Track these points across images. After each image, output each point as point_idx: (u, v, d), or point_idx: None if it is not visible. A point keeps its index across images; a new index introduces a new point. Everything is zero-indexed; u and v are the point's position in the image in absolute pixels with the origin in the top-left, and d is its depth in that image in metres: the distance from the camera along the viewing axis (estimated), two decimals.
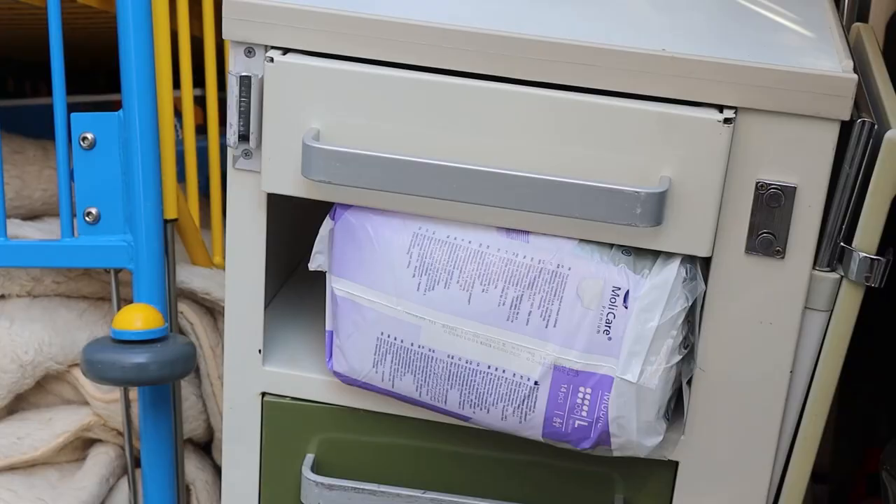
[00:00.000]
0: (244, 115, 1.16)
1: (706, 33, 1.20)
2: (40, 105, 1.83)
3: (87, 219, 1.37)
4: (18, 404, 1.50)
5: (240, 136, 1.17)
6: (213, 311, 1.54)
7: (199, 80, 1.55)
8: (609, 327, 1.10)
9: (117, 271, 1.42)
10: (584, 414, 1.11)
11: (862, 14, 1.49)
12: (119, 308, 1.39)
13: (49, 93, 1.86)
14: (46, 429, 1.46)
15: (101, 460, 1.49)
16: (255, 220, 1.21)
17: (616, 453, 1.14)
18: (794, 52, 1.14)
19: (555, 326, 1.10)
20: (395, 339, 1.15)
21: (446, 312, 1.13)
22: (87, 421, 1.48)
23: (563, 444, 1.15)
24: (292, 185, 1.16)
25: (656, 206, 1.06)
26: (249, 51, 1.15)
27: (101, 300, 1.54)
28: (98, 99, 1.85)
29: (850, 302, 1.12)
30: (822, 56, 1.12)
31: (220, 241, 1.56)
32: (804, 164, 1.09)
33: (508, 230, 1.14)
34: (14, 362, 1.42)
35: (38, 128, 1.75)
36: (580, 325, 1.10)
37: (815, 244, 1.11)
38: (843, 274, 1.12)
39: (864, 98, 1.14)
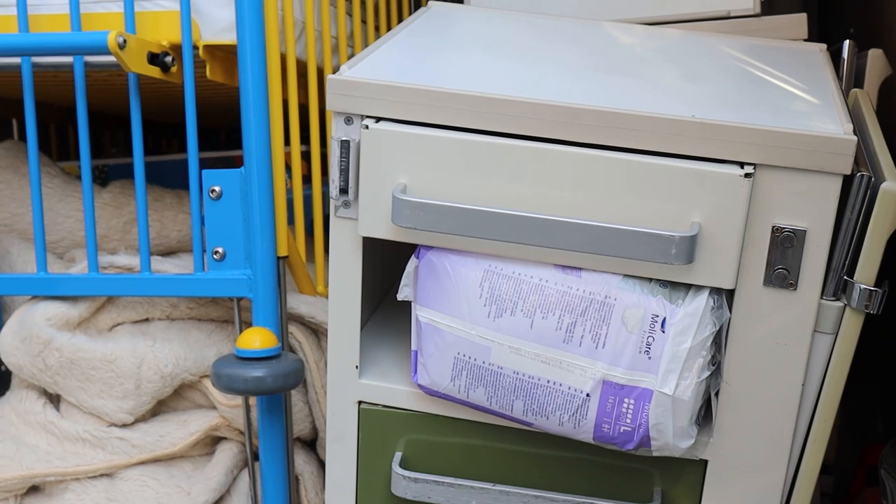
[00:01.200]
0: (344, 172, 1.19)
1: (728, 100, 1.20)
2: (176, 160, 1.85)
3: (214, 256, 1.39)
4: (160, 408, 1.51)
5: (340, 190, 1.19)
6: (317, 331, 1.54)
7: (304, 139, 1.57)
8: (649, 348, 1.11)
9: (239, 300, 1.44)
10: (628, 421, 1.13)
11: (858, 80, 1.48)
12: (241, 330, 1.41)
13: (181, 149, 1.91)
14: (182, 428, 1.48)
15: (226, 455, 1.50)
16: (352, 259, 1.23)
17: (655, 453, 1.15)
18: (803, 116, 1.15)
19: (603, 347, 1.12)
20: (470, 358, 1.16)
21: (512, 336, 1.14)
22: (215, 422, 1.49)
23: (610, 445, 1.16)
24: (384, 230, 1.18)
25: (688, 247, 1.08)
26: (348, 119, 1.18)
27: (225, 322, 1.56)
28: (220, 154, 1.85)
29: (852, 326, 1.14)
30: (826, 120, 1.13)
31: (321, 274, 1.57)
32: (813, 211, 1.10)
33: (564, 267, 1.15)
34: (157, 374, 1.44)
35: (174, 179, 1.79)
36: (625, 346, 1.11)
37: (823, 277, 1.12)
38: (846, 302, 1.13)
39: (863, 154, 1.15)
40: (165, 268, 1.47)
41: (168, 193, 1.72)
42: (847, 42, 1.51)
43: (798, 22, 1.58)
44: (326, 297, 1.50)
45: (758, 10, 1.60)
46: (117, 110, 1.76)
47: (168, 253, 1.68)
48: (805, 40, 1.58)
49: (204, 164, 1.43)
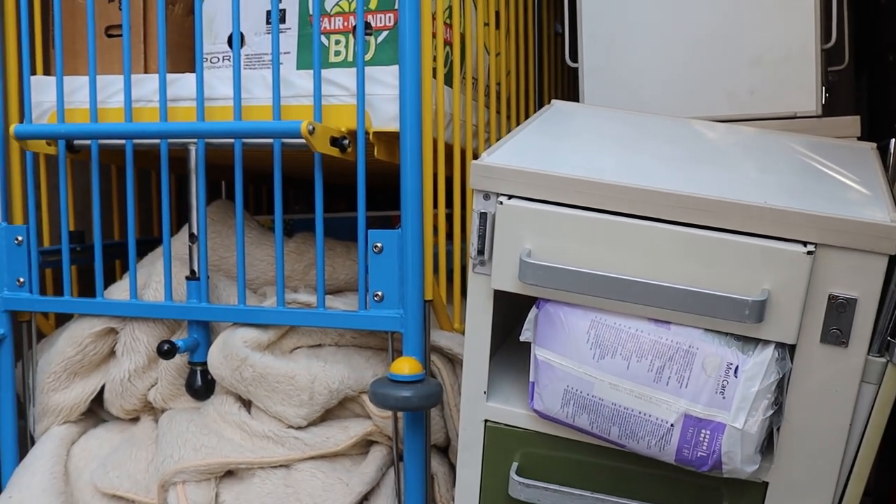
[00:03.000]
0: (481, 238, 1.22)
1: (794, 189, 1.20)
2: (344, 217, 1.89)
3: (375, 298, 1.42)
4: (327, 415, 1.53)
5: (478, 251, 1.23)
6: (453, 360, 1.55)
7: (448, 204, 1.58)
8: (724, 390, 1.11)
9: (393, 333, 1.46)
10: (704, 448, 1.13)
11: None
12: (393, 358, 1.43)
13: (348, 208, 1.93)
14: (344, 432, 1.50)
15: (378, 455, 1.52)
16: (486, 307, 1.25)
17: (725, 475, 1.15)
18: (857, 205, 1.14)
19: (686, 387, 1.12)
20: (577, 390, 1.18)
21: (612, 374, 1.15)
22: (369, 429, 1.51)
23: (688, 466, 1.16)
24: (512, 285, 1.21)
25: (759, 310, 1.09)
26: (486, 196, 1.21)
27: (381, 350, 1.58)
28: (378, 214, 1.88)
29: (893, 378, 1.13)
30: (875, 209, 1.13)
31: (458, 313, 1.58)
32: (863, 283, 1.10)
33: (656, 321, 1.16)
34: (326, 389, 1.47)
35: (342, 232, 1.82)
36: (704, 387, 1.12)
37: (870, 338, 1.11)
38: (889, 359, 1.12)
39: None
40: (336, 305, 1.49)
41: (338, 244, 1.76)
42: (893, 140, 1.48)
43: (852, 123, 1.57)
44: (461, 332, 1.53)
45: (819, 112, 1.59)
46: (301, 175, 1.80)
47: (336, 291, 1.71)
48: (858, 138, 1.56)
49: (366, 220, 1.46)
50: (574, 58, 1.77)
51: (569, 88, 2.36)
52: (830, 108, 1.66)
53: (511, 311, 1.33)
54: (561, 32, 2.25)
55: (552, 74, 2.27)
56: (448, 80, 1.57)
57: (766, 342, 1.12)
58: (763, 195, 1.14)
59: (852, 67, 1.98)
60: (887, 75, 2.00)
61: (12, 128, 1.56)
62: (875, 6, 2.02)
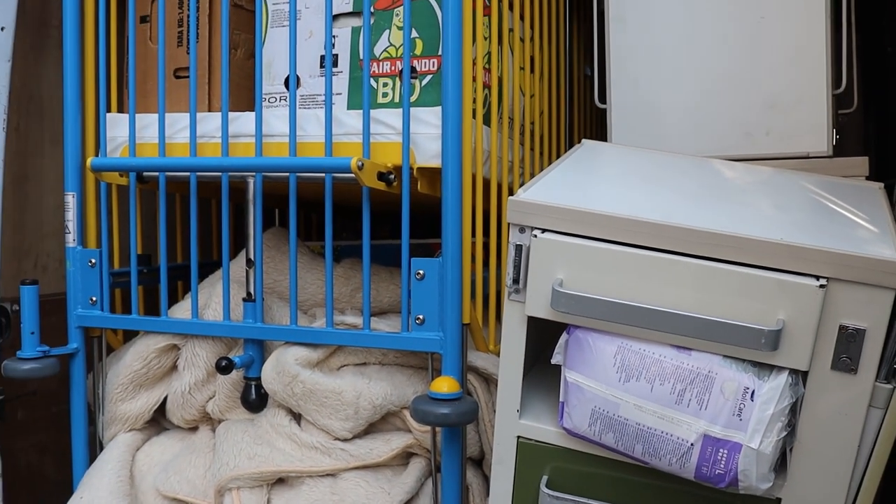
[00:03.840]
0: (517, 268, 1.23)
1: (808, 226, 1.21)
2: (388, 245, 1.91)
3: (417, 321, 1.43)
4: (370, 428, 1.54)
5: (513, 280, 1.24)
6: (488, 380, 1.55)
7: (485, 233, 1.60)
8: (741, 412, 1.12)
9: (433, 354, 1.47)
10: (722, 466, 1.13)
11: None
12: (433, 377, 1.44)
13: (391, 235, 1.94)
14: (386, 445, 1.51)
15: (417, 466, 1.53)
16: (520, 331, 1.27)
17: (741, 491, 1.15)
18: (866, 242, 1.15)
19: (705, 409, 1.13)
20: (604, 410, 1.19)
21: (636, 396, 1.16)
22: (410, 442, 1.52)
23: (707, 483, 1.16)
24: (544, 312, 1.23)
25: (774, 339, 1.10)
26: (522, 229, 1.23)
27: (421, 369, 1.59)
28: (419, 241, 1.84)
29: None
30: (883, 246, 1.14)
31: (493, 335, 1.58)
32: (871, 315, 1.10)
33: (678, 347, 1.17)
34: (370, 404, 1.48)
35: (386, 258, 1.84)
36: (722, 409, 1.12)
37: (878, 365, 1.12)
38: (895, 385, 1.12)
39: None
40: (380, 327, 1.51)
41: (382, 269, 1.78)
42: None
43: (861, 163, 1.58)
44: (496, 353, 1.54)
45: (830, 152, 1.60)
46: (349, 203, 1.82)
47: (380, 313, 1.73)
48: (867, 177, 1.57)
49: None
50: (602, 99, 1.79)
51: (597, 127, 2.38)
52: (840, 149, 1.67)
53: (543, 333, 1.34)
54: (590, 75, 2.27)
55: (582, 114, 2.29)
56: (486, 120, 1.59)
57: (781, 368, 1.13)
58: (779, 232, 1.15)
59: (861, 110, 1.99)
60: (893, 116, 2.00)
61: (89, 161, 1.60)
62: (882, 53, 2.03)
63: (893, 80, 1.94)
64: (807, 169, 1.58)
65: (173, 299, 1.77)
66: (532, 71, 1.86)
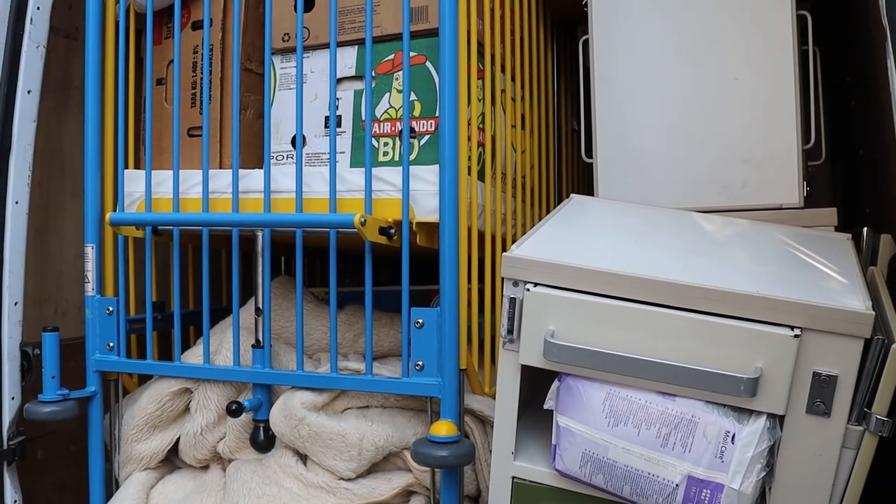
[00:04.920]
0: (511, 319, 1.25)
1: (783, 278, 1.23)
2: (388, 291, 1.92)
3: (416, 367, 1.44)
4: (373, 468, 1.54)
5: (507, 331, 1.25)
6: (483, 421, 1.54)
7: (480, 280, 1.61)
8: (722, 455, 1.13)
9: (432, 398, 1.48)
10: None
11: (873, 258, 1.48)
12: (432, 420, 1.45)
13: (390, 280, 1.94)
14: (388, 483, 1.51)
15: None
16: (514, 378, 1.28)
17: None
18: (837, 293, 1.17)
19: (689, 452, 1.14)
20: (593, 453, 1.19)
21: (624, 440, 1.17)
22: (410, 481, 1.52)
23: None
24: (537, 361, 1.24)
25: (753, 386, 1.11)
26: (515, 283, 1.24)
27: (421, 411, 1.59)
28: (420, 288, 1.87)
29: (869, 445, 1.13)
30: (853, 297, 1.15)
31: (488, 377, 1.59)
32: (843, 362, 1.11)
33: (663, 393, 1.18)
34: (373, 446, 1.49)
35: (386, 303, 1.85)
36: (705, 452, 1.13)
37: (849, 409, 1.13)
38: (866, 427, 1.13)
39: (878, 321, 1.16)
40: (382, 372, 1.51)
41: (383, 315, 1.79)
42: (865, 229, 1.51)
43: (830, 214, 1.60)
44: (491, 395, 1.54)
45: (801, 203, 1.62)
46: (351, 250, 1.83)
47: (381, 356, 1.74)
48: (836, 226, 1.58)
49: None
50: (589, 154, 1.81)
51: (584, 178, 2.40)
52: (811, 197, 1.69)
53: (535, 376, 1.34)
54: (577, 129, 2.30)
55: (570, 167, 2.31)
56: (481, 176, 1.61)
57: (760, 413, 1.14)
58: (756, 284, 1.17)
59: (829, 160, 2.02)
60: (858, 167, 2.03)
61: (108, 216, 1.62)
62: (848, 107, 2.06)
63: (857, 131, 1.97)
64: (780, 219, 1.60)
65: (185, 343, 1.78)
66: (523, 128, 1.89)
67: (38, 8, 1.70)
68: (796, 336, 1.11)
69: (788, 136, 1.64)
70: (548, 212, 2.02)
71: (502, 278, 1.25)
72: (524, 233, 1.77)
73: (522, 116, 1.88)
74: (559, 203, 2.06)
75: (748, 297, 1.13)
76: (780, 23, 1.65)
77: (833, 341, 1.11)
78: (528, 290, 1.22)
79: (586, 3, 1.82)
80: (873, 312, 1.09)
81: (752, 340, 1.13)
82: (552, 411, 1.25)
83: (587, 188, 2.25)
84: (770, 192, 1.65)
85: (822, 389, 1.12)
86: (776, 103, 1.65)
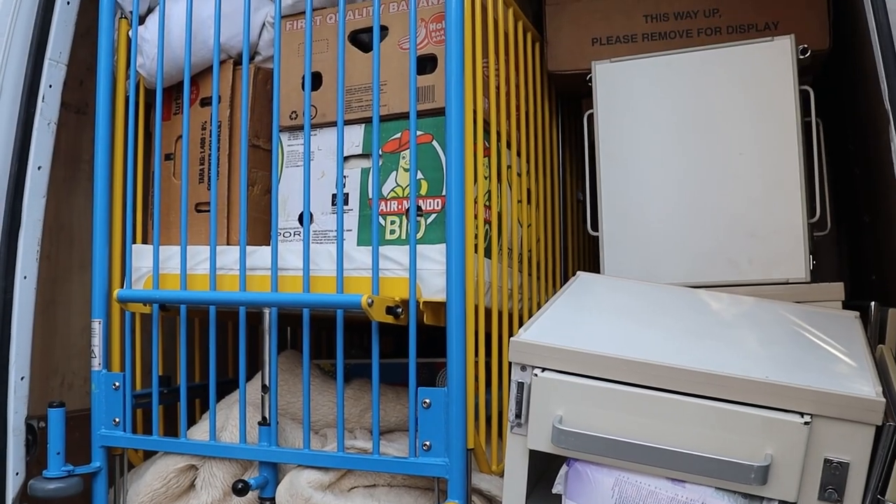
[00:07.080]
0: (518, 404, 1.25)
1: (791, 363, 1.22)
2: (394, 363, 1.90)
3: (423, 447, 1.43)
4: None
5: (515, 415, 1.25)
6: (491, 501, 1.53)
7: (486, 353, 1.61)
8: None
9: (439, 478, 1.46)
10: None
11: (881, 334, 1.48)
12: (439, 500, 1.44)
13: (395, 352, 1.93)
14: None
15: None
16: (522, 462, 1.27)
17: None
18: (847, 379, 1.17)
19: None
20: None
21: None
22: None
23: None
24: (545, 446, 1.23)
25: (763, 474, 1.11)
26: (523, 368, 1.24)
27: (428, 490, 1.57)
28: (424, 360, 1.88)
29: None
30: (863, 382, 1.15)
31: (495, 454, 1.58)
32: (854, 449, 1.11)
33: (673, 480, 1.17)
34: None
35: (392, 376, 1.84)
36: None
37: (862, 495, 1.12)
38: None
39: (889, 405, 1.15)
40: (389, 451, 1.50)
41: (389, 389, 1.78)
42: (872, 304, 1.51)
43: (837, 289, 1.60)
44: (499, 474, 1.53)
45: (808, 278, 1.62)
46: (357, 322, 1.83)
47: (388, 431, 1.73)
48: (843, 301, 1.58)
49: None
50: (595, 227, 1.82)
51: (590, 250, 2.41)
52: (817, 268, 1.69)
53: (544, 455, 1.33)
54: (582, 200, 2.31)
55: (575, 239, 2.32)
56: (487, 253, 1.61)
57: (771, 500, 1.13)
58: (764, 369, 1.17)
59: (834, 231, 2.03)
60: (863, 232, 2.04)
61: (116, 293, 1.62)
62: (850, 175, 2.07)
63: (861, 197, 1.99)
64: (787, 294, 1.60)
65: (191, 415, 1.77)
66: (529, 202, 1.90)
67: (50, 86, 1.73)
68: (806, 423, 1.10)
69: (794, 211, 1.65)
70: (554, 284, 2.02)
71: (509, 362, 1.25)
72: (531, 306, 1.79)
73: (528, 191, 1.90)
74: (565, 275, 2.08)
75: (756, 384, 1.13)
76: (783, 98, 1.68)
77: (844, 428, 1.10)
78: (535, 375, 1.22)
79: (590, 78, 1.84)
80: (884, 399, 1.09)
81: (761, 427, 1.12)
82: (559, 496, 1.24)
83: (593, 260, 2.27)
84: (777, 266, 1.65)
85: (833, 476, 1.11)
86: (781, 177, 1.67)
